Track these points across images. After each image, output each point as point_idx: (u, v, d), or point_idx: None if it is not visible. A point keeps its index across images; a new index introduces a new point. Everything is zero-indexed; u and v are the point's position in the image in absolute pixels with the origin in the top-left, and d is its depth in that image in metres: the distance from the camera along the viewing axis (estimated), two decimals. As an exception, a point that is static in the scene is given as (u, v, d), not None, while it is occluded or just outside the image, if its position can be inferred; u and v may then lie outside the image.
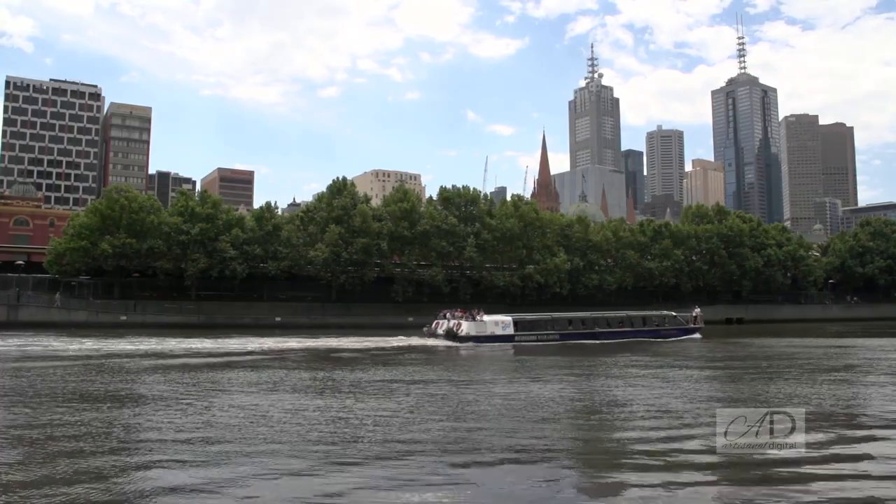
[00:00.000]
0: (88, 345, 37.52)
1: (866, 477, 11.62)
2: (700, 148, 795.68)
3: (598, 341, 45.08)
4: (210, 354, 34.77)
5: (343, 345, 40.28)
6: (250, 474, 11.33)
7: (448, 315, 47.04)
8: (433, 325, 47.59)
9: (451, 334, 44.23)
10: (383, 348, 39.07)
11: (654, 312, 54.33)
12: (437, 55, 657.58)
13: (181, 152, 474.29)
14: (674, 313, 53.42)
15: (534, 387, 23.63)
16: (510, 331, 44.95)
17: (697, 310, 55.03)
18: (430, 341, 44.65)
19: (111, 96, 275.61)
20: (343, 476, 11.41)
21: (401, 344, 42.05)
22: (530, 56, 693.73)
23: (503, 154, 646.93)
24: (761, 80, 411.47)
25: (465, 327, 44.29)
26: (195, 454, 12.69)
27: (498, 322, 45.39)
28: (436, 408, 18.69)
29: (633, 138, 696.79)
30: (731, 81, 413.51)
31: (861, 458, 13.15)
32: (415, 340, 44.59)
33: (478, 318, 45.48)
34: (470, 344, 42.66)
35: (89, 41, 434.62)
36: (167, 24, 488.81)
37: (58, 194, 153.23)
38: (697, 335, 51.04)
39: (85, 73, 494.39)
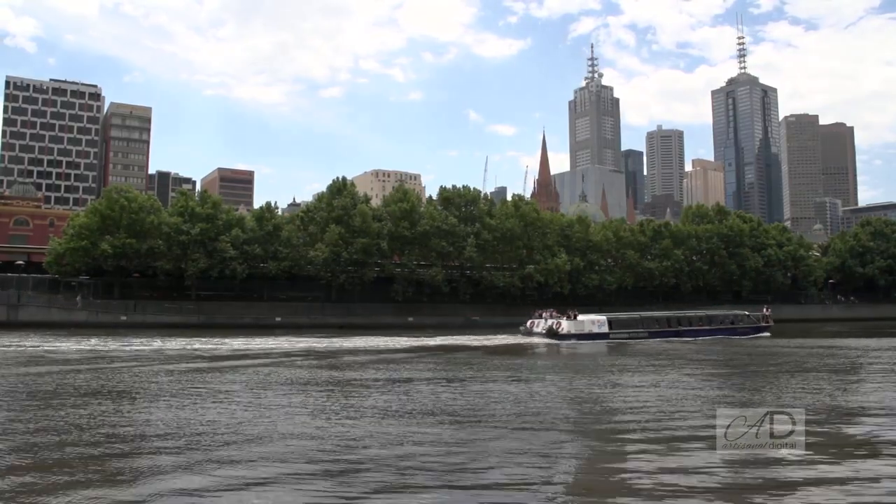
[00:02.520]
0: (172, 345, 38.17)
1: (866, 477, 11.62)
2: (702, 148, 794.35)
3: (682, 338, 48.13)
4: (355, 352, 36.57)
5: (458, 342, 43.69)
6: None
7: (545, 315, 50.15)
8: (529, 324, 50.59)
9: (552, 332, 47.10)
10: (502, 345, 43.30)
11: (730, 312, 57.78)
12: (439, 55, 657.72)
13: (184, 153, 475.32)
14: (746, 312, 56.62)
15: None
16: (605, 329, 47.88)
17: (766, 309, 58.22)
18: (530, 339, 47.85)
19: (114, 96, 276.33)
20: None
21: (507, 342, 44.94)
22: (533, 56, 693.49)
23: (505, 154, 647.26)
24: (765, 81, 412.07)
25: (566, 326, 47.33)
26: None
27: (594, 321, 48.46)
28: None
29: (633, 138, 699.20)
30: (731, 81, 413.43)
31: (861, 458, 13.14)
32: (517, 339, 47.69)
33: (575, 317, 48.72)
34: (571, 341, 45.62)
35: (92, 41, 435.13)
36: (170, 24, 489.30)
37: (58, 194, 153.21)
38: (767, 333, 53.65)
39: (88, 73, 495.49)
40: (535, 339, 47.66)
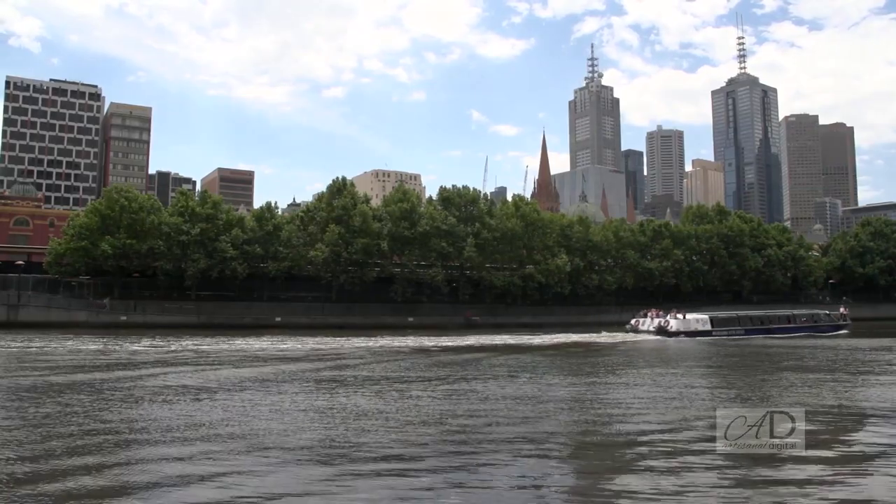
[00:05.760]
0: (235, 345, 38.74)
1: (866, 477, 11.62)
2: (704, 148, 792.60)
3: (773, 336, 51.76)
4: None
5: (557, 340, 46.56)
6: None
7: (650, 314, 54.31)
8: (634, 322, 54.76)
9: (661, 330, 50.95)
10: (621, 342, 46.92)
11: (813, 311, 62.21)
12: (443, 55, 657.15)
13: (186, 153, 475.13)
14: (826, 311, 61.80)
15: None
16: (708, 327, 51.74)
17: (843, 308, 62.30)
18: (639, 336, 51.15)
19: (117, 96, 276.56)
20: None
21: (613, 340, 48.12)
22: (536, 57, 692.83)
23: (507, 154, 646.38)
24: (768, 81, 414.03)
25: (674, 324, 51.17)
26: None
27: (699, 319, 52.46)
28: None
29: (634, 138, 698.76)
30: (731, 81, 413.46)
31: (861, 458, 13.14)
32: (623, 336, 51.39)
33: (678, 316, 52.45)
34: (680, 338, 49.39)
35: (96, 42, 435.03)
36: (174, 24, 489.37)
37: (58, 194, 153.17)
38: (845, 330, 57.28)
39: (91, 73, 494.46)
40: (644, 336, 50.87)
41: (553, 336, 49.10)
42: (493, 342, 44.65)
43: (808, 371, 29.45)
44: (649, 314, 54.50)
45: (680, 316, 52.39)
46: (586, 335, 50.10)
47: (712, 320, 52.23)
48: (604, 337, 49.58)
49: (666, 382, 24.51)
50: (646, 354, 39.35)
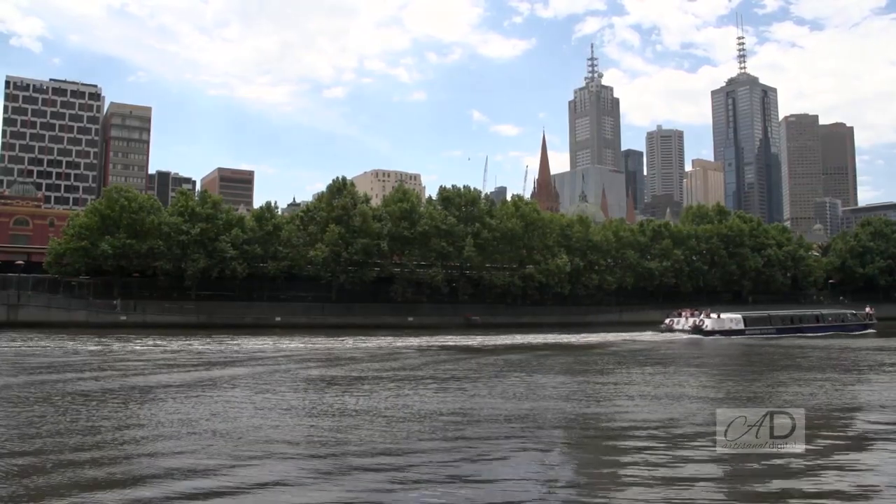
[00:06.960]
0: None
1: (864, 477, 11.61)
2: (704, 148, 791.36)
3: (802, 335, 53.04)
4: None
5: (597, 339, 48.47)
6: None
7: (684, 314, 55.88)
8: (668, 321, 56.06)
9: (697, 329, 52.42)
10: (663, 341, 48.84)
11: (841, 311, 63.88)
12: (444, 55, 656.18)
13: (186, 153, 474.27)
14: (853, 311, 63.11)
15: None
16: (741, 326, 53.32)
17: (869, 308, 63.73)
18: (675, 335, 52.33)
19: (118, 96, 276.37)
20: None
21: (658, 339, 50.24)
22: (537, 57, 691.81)
23: (508, 154, 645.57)
24: (770, 81, 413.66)
25: (709, 323, 52.70)
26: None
27: (732, 319, 54.06)
28: None
29: (634, 138, 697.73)
30: (731, 81, 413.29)
31: (860, 458, 13.13)
32: (661, 335, 52.71)
33: (713, 316, 53.92)
34: (716, 336, 50.96)
35: (97, 42, 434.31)
36: (176, 24, 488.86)
37: (58, 194, 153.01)
38: (872, 329, 59.41)
39: (92, 73, 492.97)
40: (679, 336, 52.10)
41: (589, 335, 50.48)
42: (531, 342, 45.91)
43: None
44: (683, 314, 56.12)
45: (714, 315, 53.61)
46: (623, 334, 51.88)
47: (745, 319, 53.93)
48: (644, 335, 51.12)
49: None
50: (694, 352, 41.14)
